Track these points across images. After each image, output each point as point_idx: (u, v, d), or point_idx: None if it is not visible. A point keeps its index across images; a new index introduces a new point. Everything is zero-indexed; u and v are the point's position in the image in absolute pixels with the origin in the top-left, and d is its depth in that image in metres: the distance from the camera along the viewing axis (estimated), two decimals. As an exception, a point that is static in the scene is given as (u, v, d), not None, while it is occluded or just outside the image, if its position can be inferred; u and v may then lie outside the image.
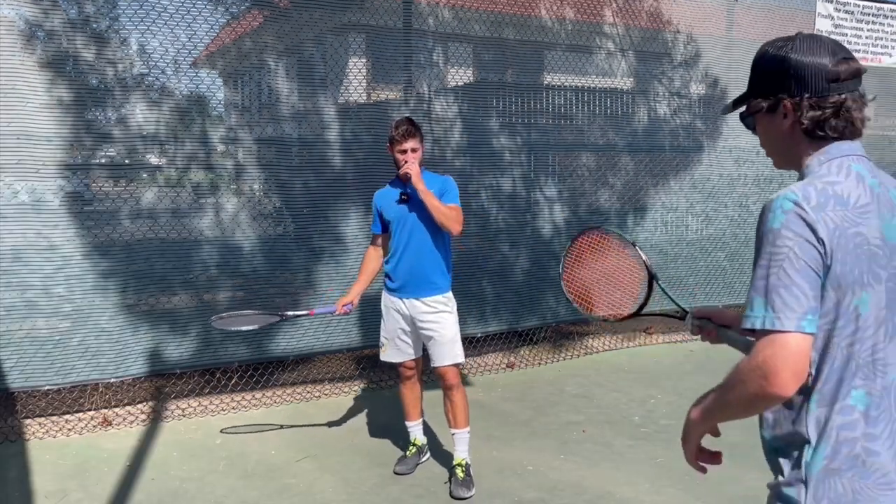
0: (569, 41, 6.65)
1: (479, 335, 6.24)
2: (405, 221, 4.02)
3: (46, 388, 4.80)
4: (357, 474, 4.25)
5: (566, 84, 6.73)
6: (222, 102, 5.71)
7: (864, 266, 1.52)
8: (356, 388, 5.79)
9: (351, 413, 5.28)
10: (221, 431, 4.80)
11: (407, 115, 5.72)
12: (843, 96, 1.60)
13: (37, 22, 4.58)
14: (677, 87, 7.23)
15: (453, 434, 4.09)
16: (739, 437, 5.32)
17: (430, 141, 5.89)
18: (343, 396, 5.63)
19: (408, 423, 4.38)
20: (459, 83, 6.18)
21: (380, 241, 4.23)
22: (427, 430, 4.59)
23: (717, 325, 2.03)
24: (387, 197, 4.13)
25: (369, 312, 5.06)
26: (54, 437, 4.77)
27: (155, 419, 5.08)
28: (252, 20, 5.50)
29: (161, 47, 4.93)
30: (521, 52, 6.47)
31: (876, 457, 1.53)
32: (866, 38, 8.23)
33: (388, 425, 4.96)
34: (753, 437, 4.95)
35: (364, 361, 6.05)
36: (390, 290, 4.14)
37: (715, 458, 1.75)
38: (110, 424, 4.96)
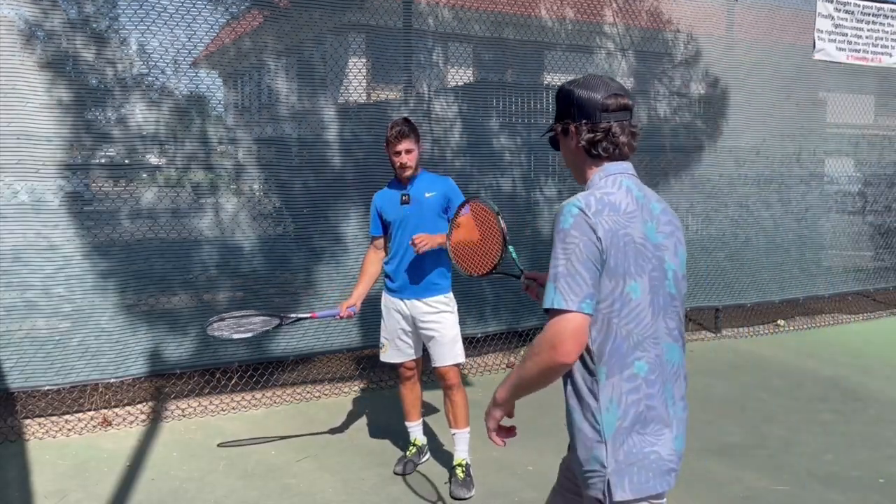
0: (569, 41, 6.65)
1: (479, 335, 6.24)
2: (406, 223, 4.01)
3: (46, 388, 4.79)
4: (357, 474, 4.25)
5: (566, 84, 6.72)
6: (222, 102, 5.71)
7: (631, 260, 1.90)
8: (356, 388, 5.79)
9: (351, 413, 5.28)
10: (218, 446, 4.74)
11: (406, 115, 5.72)
12: (610, 123, 2.00)
13: (37, 22, 4.58)
14: (677, 87, 7.23)
15: (453, 434, 4.09)
16: (739, 438, 5.33)
17: (430, 141, 5.89)
18: (343, 396, 5.63)
19: (408, 424, 4.37)
20: (459, 83, 6.18)
21: (380, 243, 4.21)
22: (427, 431, 4.59)
23: (538, 285, 2.43)
24: (387, 198, 4.12)
25: (369, 313, 5.06)
26: (54, 437, 4.77)
27: (155, 419, 5.08)
28: (252, 20, 5.49)
29: (161, 47, 4.93)
30: (521, 52, 6.47)
31: (654, 410, 1.93)
32: (866, 38, 8.23)
33: (388, 425, 4.96)
34: (752, 438, 4.98)
35: (364, 361, 6.05)
36: (391, 291, 4.13)
37: (510, 432, 2.11)
38: (110, 424, 4.96)
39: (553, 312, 1.85)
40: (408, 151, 3.97)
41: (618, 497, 1.88)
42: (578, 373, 1.96)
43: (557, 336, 1.83)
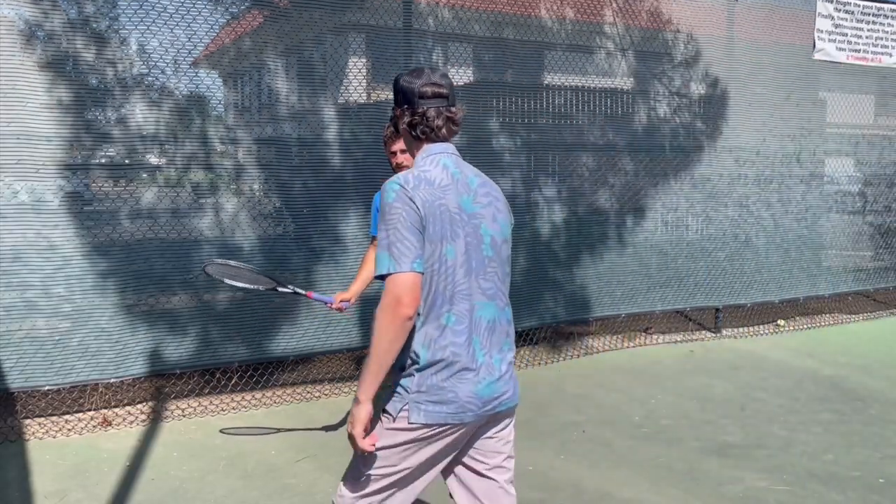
0: (569, 41, 6.64)
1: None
2: None
3: (46, 388, 4.79)
4: (357, 474, 4.24)
5: (566, 84, 6.73)
6: (222, 102, 5.71)
7: (447, 227, 2.21)
8: (356, 388, 5.78)
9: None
10: (221, 431, 4.80)
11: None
12: (425, 108, 2.32)
13: (37, 22, 4.58)
14: (677, 87, 7.23)
15: (453, 434, 4.08)
16: (739, 438, 5.33)
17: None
18: (343, 396, 5.63)
19: (408, 423, 4.37)
20: (459, 83, 6.18)
21: (379, 243, 4.21)
22: (427, 430, 4.58)
23: None
24: (386, 198, 4.12)
25: (369, 313, 5.05)
26: (54, 437, 4.77)
27: (155, 419, 5.08)
28: (252, 20, 5.49)
29: (161, 47, 4.92)
30: (521, 52, 6.46)
31: (459, 357, 2.22)
32: (866, 38, 8.23)
33: (388, 425, 4.95)
34: (753, 438, 4.97)
35: (364, 361, 6.05)
36: (391, 291, 4.13)
37: (374, 438, 2.29)
38: (110, 424, 4.96)
39: (390, 276, 2.14)
40: (403, 151, 3.98)
41: (413, 419, 2.22)
42: None
43: (396, 295, 2.11)
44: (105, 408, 5.11)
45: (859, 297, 8.84)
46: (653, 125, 7.10)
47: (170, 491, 4.03)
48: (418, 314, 2.20)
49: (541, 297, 6.52)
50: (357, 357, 6.11)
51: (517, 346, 6.54)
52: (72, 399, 5.08)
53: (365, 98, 6.01)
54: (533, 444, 4.68)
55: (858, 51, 8.19)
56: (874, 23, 8.28)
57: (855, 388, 5.85)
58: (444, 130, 2.36)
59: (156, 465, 4.37)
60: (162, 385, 5.42)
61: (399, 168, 4.03)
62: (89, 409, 5.07)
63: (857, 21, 8.17)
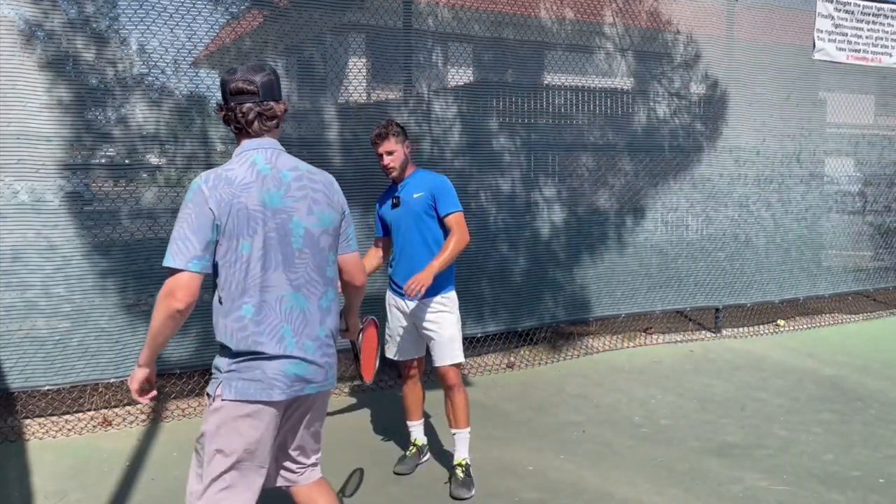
0: (569, 41, 6.64)
1: (479, 335, 6.24)
2: (399, 225, 4.04)
3: (46, 388, 4.79)
4: (357, 474, 4.25)
5: (566, 84, 6.73)
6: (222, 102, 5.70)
7: (244, 224, 2.34)
8: (356, 388, 5.79)
9: (351, 413, 5.28)
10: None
11: (406, 115, 5.73)
12: (234, 104, 2.43)
13: (37, 22, 4.58)
14: (677, 88, 7.23)
15: (454, 434, 4.09)
16: (739, 438, 5.33)
17: (430, 141, 5.89)
18: (343, 396, 5.63)
19: (409, 423, 4.38)
20: (459, 83, 6.18)
21: (381, 243, 4.25)
22: (427, 431, 4.59)
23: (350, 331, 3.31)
24: (385, 201, 4.16)
25: (370, 313, 5.05)
26: (54, 437, 4.77)
27: (155, 419, 5.08)
28: (252, 20, 5.49)
29: (161, 47, 4.92)
30: (521, 52, 6.46)
31: (262, 346, 2.38)
32: (866, 38, 8.23)
33: (389, 425, 4.96)
34: (753, 438, 4.97)
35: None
36: (394, 290, 4.16)
37: (153, 394, 2.62)
38: (110, 424, 4.96)
39: (168, 269, 2.31)
40: (389, 153, 3.98)
41: (225, 396, 2.38)
42: (215, 309, 2.46)
43: (170, 288, 2.31)
44: (105, 408, 5.11)
45: (859, 297, 8.84)
46: (653, 125, 7.11)
47: (170, 491, 4.03)
48: (221, 303, 2.39)
49: (541, 297, 6.52)
50: (356, 356, 6.10)
51: (517, 347, 6.60)
52: (72, 399, 5.08)
53: (365, 98, 6.01)
54: (533, 444, 4.68)
55: (858, 51, 8.19)
56: (874, 23, 8.28)
57: (855, 388, 5.85)
58: (255, 125, 2.44)
59: (156, 465, 4.37)
60: (162, 385, 5.41)
61: (387, 170, 4.04)
62: (89, 409, 5.07)
63: (857, 21, 8.17)
